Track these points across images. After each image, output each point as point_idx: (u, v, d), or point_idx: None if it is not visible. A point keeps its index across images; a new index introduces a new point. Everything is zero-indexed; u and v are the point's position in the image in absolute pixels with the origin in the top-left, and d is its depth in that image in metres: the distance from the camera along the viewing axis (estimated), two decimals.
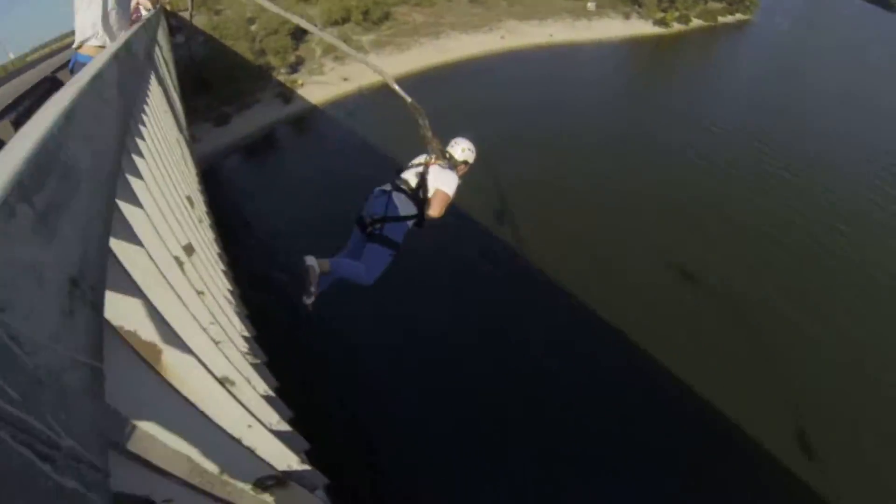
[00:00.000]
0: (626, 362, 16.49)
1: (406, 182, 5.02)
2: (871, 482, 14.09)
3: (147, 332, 2.91)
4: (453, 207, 5.16)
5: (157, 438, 2.51)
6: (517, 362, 16.18)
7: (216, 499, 2.70)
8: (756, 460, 14.43)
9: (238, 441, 3.21)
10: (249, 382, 4.02)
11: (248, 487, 2.95)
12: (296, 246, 19.53)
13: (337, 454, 12.43)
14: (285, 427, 4.14)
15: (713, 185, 26.08)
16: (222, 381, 3.39)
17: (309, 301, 4.37)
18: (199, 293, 4.37)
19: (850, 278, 21.01)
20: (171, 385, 2.82)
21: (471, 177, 5.49)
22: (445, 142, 5.28)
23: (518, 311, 18.03)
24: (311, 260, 4.29)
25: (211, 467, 2.84)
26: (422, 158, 5.22)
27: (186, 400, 2.87)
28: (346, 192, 22.84)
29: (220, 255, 6.77)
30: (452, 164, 5.19)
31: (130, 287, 2.79)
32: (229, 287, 5.94)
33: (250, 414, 3.47)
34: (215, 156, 26.78)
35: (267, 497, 3.06)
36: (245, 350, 4.77)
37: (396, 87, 5.22)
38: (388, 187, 4.94)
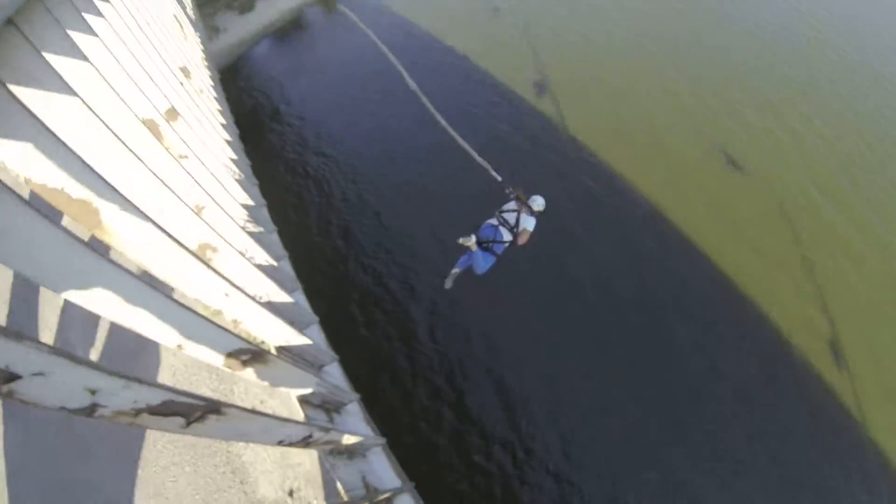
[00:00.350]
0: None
1: (506, 221, 7.55)
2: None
3: (77, 190, 2.44)
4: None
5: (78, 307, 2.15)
6: None
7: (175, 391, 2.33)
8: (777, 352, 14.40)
9: (207, 318, 2.82)
10: (241, 252, 3.64)
11: (220, 362, 2.60)
12: (327, 127, 19.44)
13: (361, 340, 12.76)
14: (286, 298, 3.81)
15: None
16: (194, 251, 2.97)
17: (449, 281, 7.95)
18: (181, 157, 3.91)
19: None
20: (109, 255, 2.37)
21: None
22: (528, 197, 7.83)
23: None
24: (466, 240, 7.05)
25: (172, 342, 2.51)
26: (513, 205, 7.72)
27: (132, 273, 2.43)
28: (377, 75, 22.37)
29: (224, 126, 6.25)
30: (533, 212, 7.63)
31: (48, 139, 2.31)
32: (233, 156, 5.48)
33: (231, 284, 3.05)
34: (242, 45, 25.79)
35: (248, 374, 2.72)
36: (243, 217, 4.38)
37: (493, 172, 8.21)
38: (495, 222, 7.56)
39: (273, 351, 3.35)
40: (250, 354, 2.66)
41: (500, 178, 7.90)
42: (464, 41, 23.29)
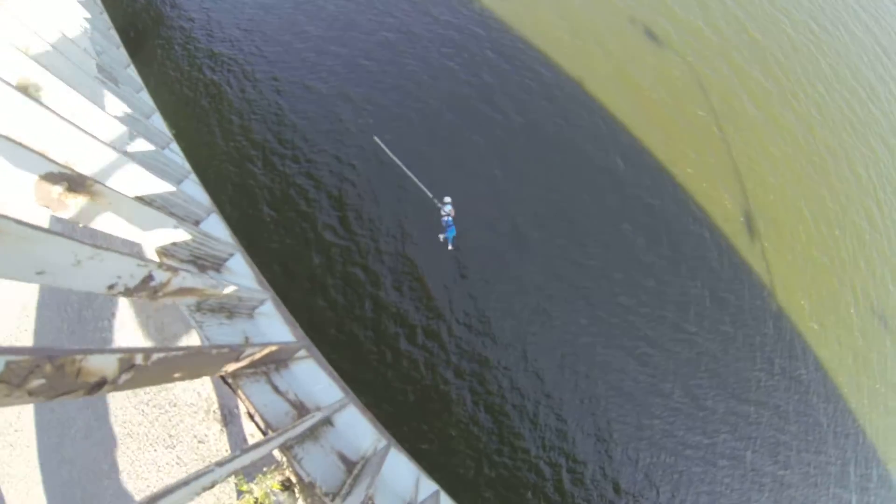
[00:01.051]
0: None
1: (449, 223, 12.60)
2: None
3: None
4: None
5: None
6: None
7: None
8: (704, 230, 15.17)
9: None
10: (88, 97, 3.14)
11: (28, 186, 2.18)
12: (225, 9, 17.61)
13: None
14: (148, 147, 3.33)
15: None
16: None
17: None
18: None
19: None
20: None
21: None
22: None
23: None
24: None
25: None
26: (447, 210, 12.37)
27: None
28: None
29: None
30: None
31: None
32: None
33: (71, 124, 2.59)
34: None
35: (76, 211, 2.33)
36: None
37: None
38: (446, 223, 12.78)
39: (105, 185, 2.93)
40: (66, 182, 2.16)
41: (438, 203, 12.75)
42: None
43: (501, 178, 15.32)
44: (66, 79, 3.22)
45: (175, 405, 4.06)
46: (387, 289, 12.97)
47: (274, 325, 3.69)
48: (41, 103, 2.65)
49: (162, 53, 16.95)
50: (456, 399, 12.43)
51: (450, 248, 13.23)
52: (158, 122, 5.11)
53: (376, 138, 13.75)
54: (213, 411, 3.95)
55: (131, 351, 1.78)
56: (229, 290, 2.97)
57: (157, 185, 3.13)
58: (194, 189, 4.27)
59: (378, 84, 16.07)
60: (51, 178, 2.14)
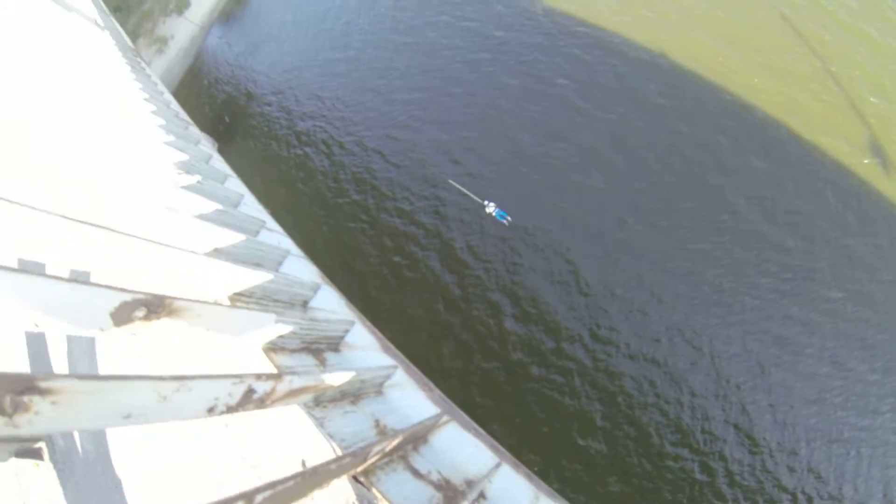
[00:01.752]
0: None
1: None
2: None
3: None
4: None
5: None
6: None
7: None
8: None
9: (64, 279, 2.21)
10: (167, 206, 3.06)
11: (103, 324, 1.98)
12: (308, 76, 18.56)
13: None
14: (237, 238, 3.17)
15: None
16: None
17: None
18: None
19: None
20: None
21: None
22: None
23: None
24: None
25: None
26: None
27: None
28: (330, 15, 21.05)
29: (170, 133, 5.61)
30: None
31: None
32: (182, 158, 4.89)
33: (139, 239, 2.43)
34: (193, 43, 24.95)
35: (159, 335, 2.10)
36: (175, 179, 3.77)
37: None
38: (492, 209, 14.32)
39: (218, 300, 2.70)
40: (144, 307, 1.92)
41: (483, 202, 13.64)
42: None
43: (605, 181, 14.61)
44: (138, 193, 3.15)
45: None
46: (512, 318, 12.70)
47: (408, 396, 3.29)
48: (110, 229, 2.47)
49: (250, 137, 18.04)
50: (602, 424, 11.87)
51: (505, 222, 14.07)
52: (250, 206, 4.88)
53: (451, 181, 13.86)
54: None
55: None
56: (350, 377, 2.60)
57: (254, 278, 2.85)
58: (297, 265, 4.03)
59: (457, 117, 16.15)
60: (125, 309, 1.86)
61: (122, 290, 1.82)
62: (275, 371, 2.47)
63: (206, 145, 6.83)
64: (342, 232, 14.35)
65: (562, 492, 10.75)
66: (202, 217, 3.28)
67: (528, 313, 12.92)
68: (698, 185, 14.00)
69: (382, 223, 14.38)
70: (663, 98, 15.31)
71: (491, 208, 14.12)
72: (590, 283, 13.09)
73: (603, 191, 14.10)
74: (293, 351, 2.79)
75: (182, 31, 25.24)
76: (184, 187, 3.53)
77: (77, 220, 2.21)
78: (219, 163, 5.86)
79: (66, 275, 2.43)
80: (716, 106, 14.95)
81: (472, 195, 14.13)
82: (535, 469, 9.36)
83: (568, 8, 17.67)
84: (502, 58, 17.04)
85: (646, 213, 13.80)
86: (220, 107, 19.73)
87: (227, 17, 26.33)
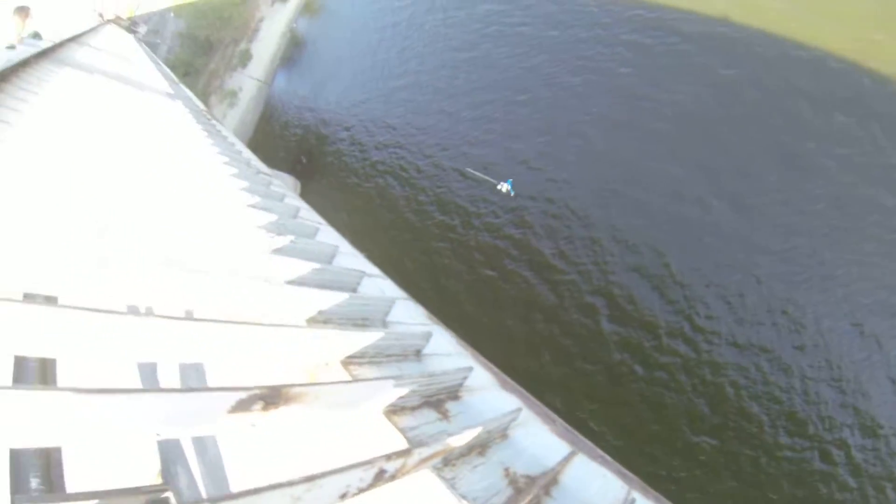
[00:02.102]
0: None
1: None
2: None
3: None
4: None
5: None
6: None
7: None
8: None
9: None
10: (259, 276, 3.20)
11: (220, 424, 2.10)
12: (375, 106, 19.16)
13: None
14: (339, 298, 3.27)
15: None
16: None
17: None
18: None
19: None
20: None
21: None
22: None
23: None
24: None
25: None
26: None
27: None
28: (389, 43, 21.67)
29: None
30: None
31: None
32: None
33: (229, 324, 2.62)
34: (261, 92, 26.24)
35: (280, 422, 2.14)
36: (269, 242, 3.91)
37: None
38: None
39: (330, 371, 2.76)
40: (260, 402, 1.94)
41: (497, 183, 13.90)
42: None
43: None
44: (232, 269, 3.26)
45: None
46: (609, 319, 12.58)
47: (533, 434, 3.22)
48: (215, 320, 2.61)
49: (329, 173, 18.76)
50: (707, 412, 11.51)
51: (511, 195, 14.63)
52: (345, 254, 4.77)
53: (468, 169, 14.07)
54: None
55: None
56: (477, 432, 2.62)
57: (364, 339, 2.90)
58: (404, 310, 3.97)
59: (527, 124, 16.18)
60: (242, 405, 1.87)
61: (238, 388, 1.86)
62: (396, 432, 2.47)
63: (292, 196, 6.95)
64: (432, 253, 14.72)
65: (678, 494, 10.54)
66: (300, 281, 3.37)
67: (625, 311, 12.79)
68: (782, 153, 13.41)
69: (470, 239, 14.66)
70: (730, 68, 14.77)
71: (504, 187, 14.86)
72: (683, 273, 12.82)
73: (681, 176, 13.78)
74: (414, 409, 2.79)
75: (249, 82, 26.70)
76: (276, 251, 3.60)
77: (185, 319, 2.34)
78: (306, 212, 5.87)
79: (178, 371, 2.60)
80: (785, 66, 14.30)
81: (489, 178, 14.60)
82: (647, 471, 9.26)
83: None
84: (562, 56, 16.97)
85: (730, 193, 13.36)
86: (295, 148, 20.68)
87: (288, 63, 27.52)
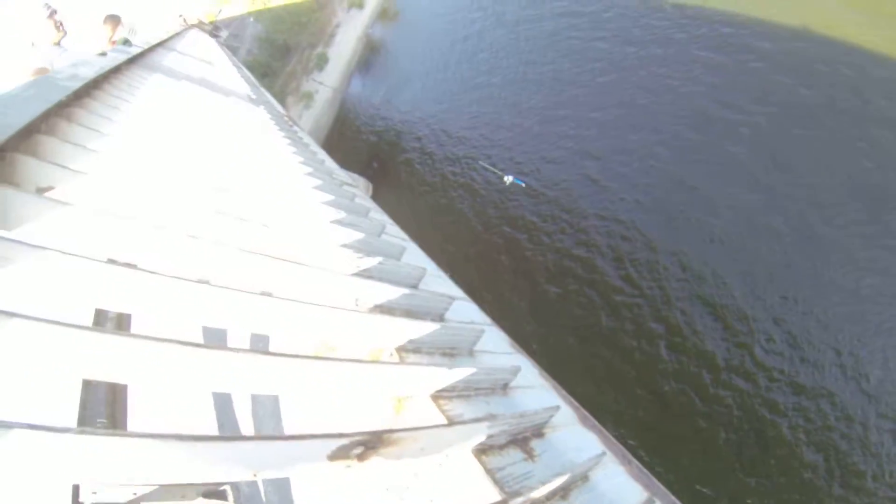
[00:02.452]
0: None
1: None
2: None
3: None
4: None
5: None
6: None
7: None
8: None
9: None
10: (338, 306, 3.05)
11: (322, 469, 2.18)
12: (448, 118, 19.52)
13: None
14: (429, 327, 3.10)
15: None
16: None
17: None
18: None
19: None
20: None
21: None
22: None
23: None
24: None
25: None
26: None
27: None
28: (463, 51, 22.04)
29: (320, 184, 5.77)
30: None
31: None
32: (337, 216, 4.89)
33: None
34: (336, 94, 26.97)
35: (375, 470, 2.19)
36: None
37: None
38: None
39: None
40: (360, 447, 1.89)
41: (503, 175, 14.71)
42: None
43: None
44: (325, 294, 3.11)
45: None
46: (669, 347, 12.41)
47: (611, 476, 3.14)
48: (317, 357, 2.73)
49: (400, 182, 19.13)
50: (780, 441, 11.18)
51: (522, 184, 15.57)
52: (432, 276, 4.53)
53: (480, 163, 14.37)
54: None
55: None
56: (565, 478, 2.60)
57: (456, 374, 2.84)
58: (491, 340, 3.88)
59: (604, 143, 16.15)
60: (342, 451, 1.80)
61: (340, 435, 1.81)
62: (483, 473, 2.46)
63: (377, 210, 6.55)
64: (496, 265, 14.93)
65: None
66: (389, 307, 3.33)
67: (687, 340, 12.52)
68: (862, 183, 12.84)
69: (536, 255, 14.78)
70: (808, 88, 14.17)
71: (509, 179, 15.76)
72: (749, 305, 12.56)
73: (754, 202, 13.44)
74: (501, 447, 2.76)
75: (324, 85, 27.57)
76: (364, 273, 3.53)
77: (263, 353, 2.23)
78: (391, 227, 5.66)
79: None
80: (866, 85, 13.74)
81: (496, 170, 14.93)
82: None
83: (696, 3, 17.02)
84: (636, 73, 16.74)
85: (805, 223, 12.90)
86: (367, 151, 21.30)
87: (363, 68, 28.24)
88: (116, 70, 5.43)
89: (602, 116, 16.56)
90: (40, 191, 2.45)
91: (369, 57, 28.48)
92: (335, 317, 2.71)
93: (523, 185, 15.33)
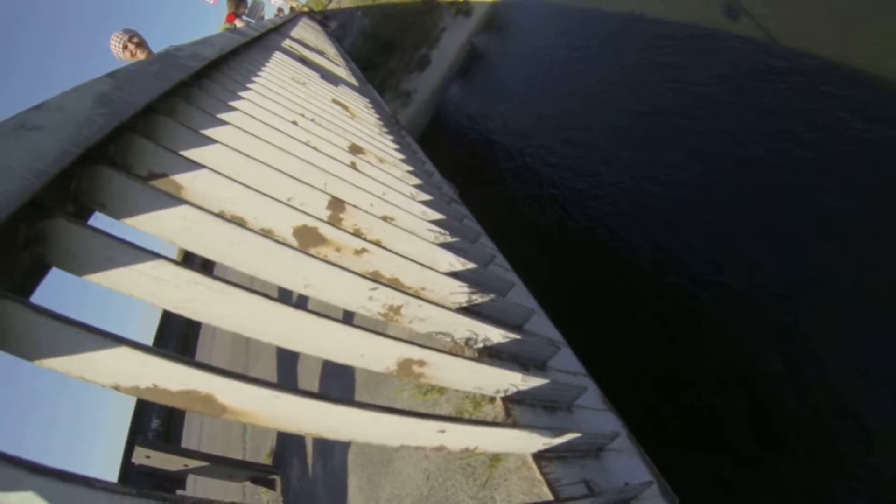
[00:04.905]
0: None
1: None
2: None
3: None
4: None
5: None
6: None
7: None
8: None
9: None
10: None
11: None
12: (542, 141, 19.07)
13: None
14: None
15: None
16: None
17: None
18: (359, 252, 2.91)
19: None
20: None
21: None
22: None
23: None
24: None
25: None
26: None
27: None
28: (563, 76, 21.60)
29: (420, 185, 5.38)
30: None
31: None
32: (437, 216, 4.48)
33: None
34: (434, 97, 27.13)
35: None
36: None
37: None
38: None
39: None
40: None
41: None
42: None
43: None
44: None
45: None
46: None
47: None
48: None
49: (484, 195, 18.91)
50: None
51: None
52: (539, 318, 4.30)
53: None
54: None
55: None
56: None
57: (560, 438, 2.77)
58: (587, 397, 3.67)
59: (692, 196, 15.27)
60: None
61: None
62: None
63: (485, 237, 6.46)
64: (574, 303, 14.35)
65: None
66: (497, 352, 3.18)
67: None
68: None
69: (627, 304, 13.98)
70: None
71: None
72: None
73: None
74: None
75: (424, 86, 27.74)
76: (474, 312, 3.32)
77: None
78: (500, 258, 5.46)
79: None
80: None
81: None
82: None
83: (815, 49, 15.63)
84: (738, 125, 15.79)
85: None
86: (457, 160, 21.20)
87: (463, 74, 28.31)
88: (234, 52, 5.38)
89: (701, 171, 15.64)
90: (153, 177, 2.23)
91: (470, 65, 28.49)
92: (452, 363, 2.58)
93: None
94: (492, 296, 3.47)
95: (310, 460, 5.82)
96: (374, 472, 4.36)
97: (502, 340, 3.17)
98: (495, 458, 3.22)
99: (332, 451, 5.21)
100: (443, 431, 2.14)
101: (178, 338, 18.75)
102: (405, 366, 2.39)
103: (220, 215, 2.14)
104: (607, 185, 16.47)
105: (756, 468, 10.74)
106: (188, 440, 14.25)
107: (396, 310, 2.65)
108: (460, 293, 3.29)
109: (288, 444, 6.66)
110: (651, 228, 14.62)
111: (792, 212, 13.21)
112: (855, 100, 14.02)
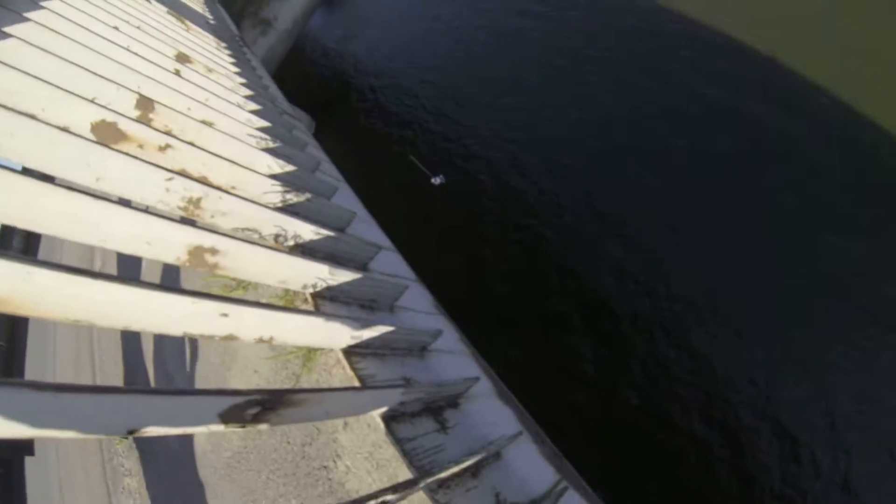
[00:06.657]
0: None
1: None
2: None
3: None
4: None
5: None
6: None
7: None
8: None
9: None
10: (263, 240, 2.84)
11: None
12: (406, 75, 18.73)
13: None
14: (352, 275, 2.93)
15: None
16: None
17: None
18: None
19: None
20: None
21: None
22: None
23: None
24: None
25: None
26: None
27: None
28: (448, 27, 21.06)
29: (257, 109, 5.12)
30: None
31: None
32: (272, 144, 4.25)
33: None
34: (295, 26, 25.77)
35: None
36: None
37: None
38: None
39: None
40: (259, 406, 1.72)
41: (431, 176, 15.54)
42: None
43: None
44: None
45: None
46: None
47: (523, 455, 3.10)
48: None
49: (345, 125, 18.56)
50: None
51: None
52: (361, 220, 4.29)
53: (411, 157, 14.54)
54: None
55: None
56: (479, 457, 2.53)
57: (373, 331, 2.69)
58: (413, 297, 3.73)
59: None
60: (235, 410, 1.65)
61: (235, 392, 1.65)
62: (392, 442, 2.36)
63: (314, 146, 6.33)
64: (428, 225, 14.63)
65: None
66: (311, 248, 3.12)
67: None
68: None
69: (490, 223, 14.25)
70: None
71: (437, 180, 15.90)
72: None
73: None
74: (414, 416, 2.68)
75: (285, 13, 26.24)
76: (290, 209, 3.32)
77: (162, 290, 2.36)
78: (327, 165, 5.38)
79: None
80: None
81: (426, 170, 15.60)
82: None
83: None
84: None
85: None
86: (317, 91, 20.56)
87: (329, 3, 27.18)
88: None
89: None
90: None
91: None
92: (250, 252, 2.49)
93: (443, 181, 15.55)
94: (311, 196, 3.43)
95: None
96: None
97: (315, 238, 3.08)
98: (310, 356, 3.22)
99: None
100: (226, 315, 1.97)
101: None
102: (196, 254, 2.26)
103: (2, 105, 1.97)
104: (460, 125, 16.81)
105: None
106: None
107: (196, 202, 2.56)
108: (274, 192, 3.25)
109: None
110: (498, 165, 15.23)
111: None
112: None
